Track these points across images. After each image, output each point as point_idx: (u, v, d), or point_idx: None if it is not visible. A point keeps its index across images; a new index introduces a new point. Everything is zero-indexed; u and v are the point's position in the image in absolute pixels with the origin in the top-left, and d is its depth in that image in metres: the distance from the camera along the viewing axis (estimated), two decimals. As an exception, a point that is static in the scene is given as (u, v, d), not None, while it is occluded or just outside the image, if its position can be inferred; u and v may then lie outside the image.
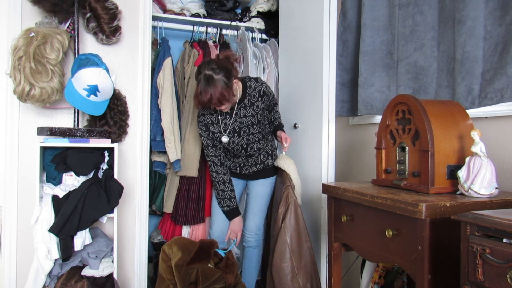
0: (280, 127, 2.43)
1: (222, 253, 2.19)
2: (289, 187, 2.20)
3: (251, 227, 2.38)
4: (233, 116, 2.24)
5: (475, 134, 1.38)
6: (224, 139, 2.25)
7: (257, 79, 2.27)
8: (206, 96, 2.02)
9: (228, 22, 3.06)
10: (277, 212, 2.18)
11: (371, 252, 1.55)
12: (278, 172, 2.40)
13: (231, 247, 2.31)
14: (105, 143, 2.05)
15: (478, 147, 1.37)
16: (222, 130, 2.26)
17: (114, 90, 2.14)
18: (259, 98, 2.25)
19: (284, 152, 2.36)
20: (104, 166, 2.12)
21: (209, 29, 3.06)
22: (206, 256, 2.13)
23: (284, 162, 2.30)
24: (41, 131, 1.97)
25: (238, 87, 2.20)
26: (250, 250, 2.42)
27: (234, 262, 2.20)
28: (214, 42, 3.04)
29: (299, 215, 2.14)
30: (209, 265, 2.14)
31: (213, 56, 2.93)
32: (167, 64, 2.69)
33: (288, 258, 2.08)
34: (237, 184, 2.47)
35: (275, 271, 2.10)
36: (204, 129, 2.27)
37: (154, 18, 2.72)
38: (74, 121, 2.15)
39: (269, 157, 2.41)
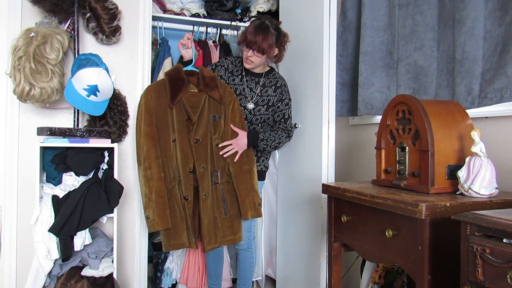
0: (258, 135, 2.25)
1: (195, 69, 2.19)
2: None
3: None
4: (259, 87, 2.32)
5: (475, 134, 1.38)
6: (250, 105, 2.29)
7: (281, 76, 2.40)
8: (254, 36, 2.17)
9: (228, 22, 3.06)
10: None
11: (371, 252, 1.55)
12: None
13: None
14: (105, 143, 2.05)
15: (478, 147, 1.37)
16: (247, 95, 2.32)
17: (114, 90, 2.14)
18: (273, 87, 2.32)
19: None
20: (104, 166, 2.12)
21: (209, 29, 3.05)
22: (181, 82, 2.11)
23: None
24: (41, 131, 1.97)
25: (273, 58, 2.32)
26: (243, 253, 2.41)
27: (211, 75, 2.18)
28: (214, 42, 3.04)
29: None
30: (191, 90, 2.12)
31: (213, 56, 2.93)
32: (167, 64, 2.69)
33: None
34: None
35: None
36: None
37: (154, 18, 2.72)
38: (74, 121, 2.15)
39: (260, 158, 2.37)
